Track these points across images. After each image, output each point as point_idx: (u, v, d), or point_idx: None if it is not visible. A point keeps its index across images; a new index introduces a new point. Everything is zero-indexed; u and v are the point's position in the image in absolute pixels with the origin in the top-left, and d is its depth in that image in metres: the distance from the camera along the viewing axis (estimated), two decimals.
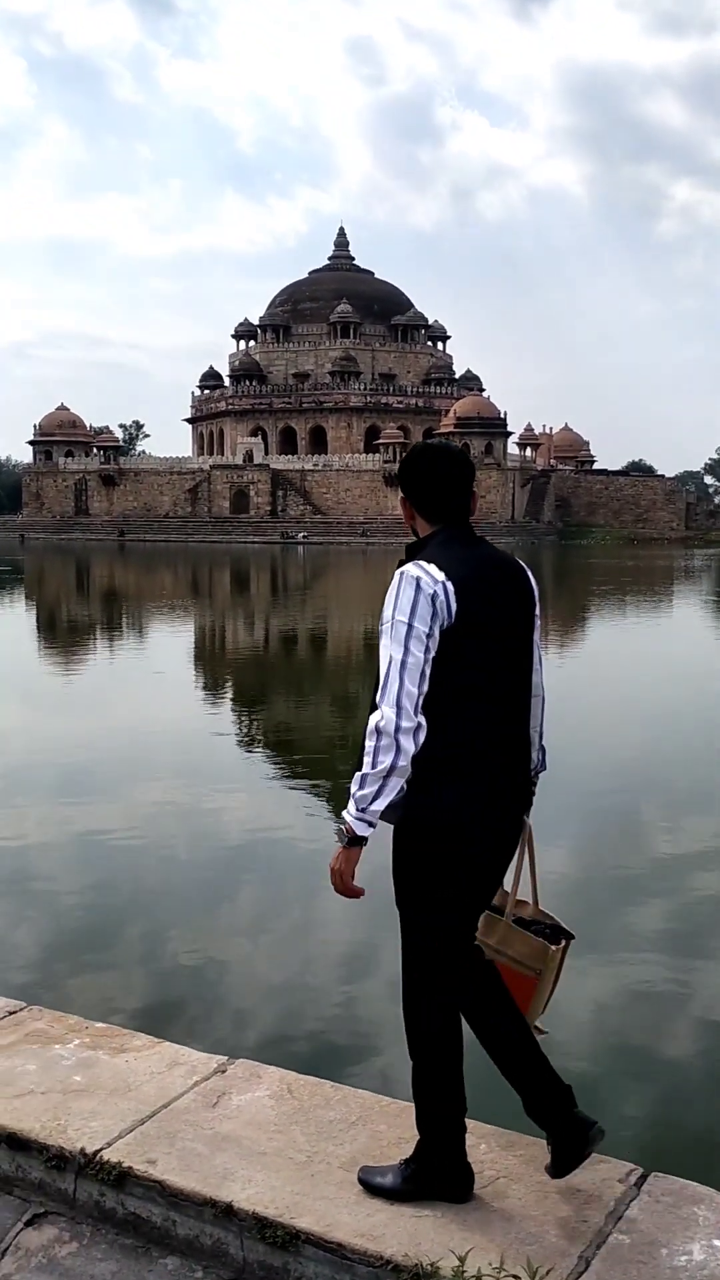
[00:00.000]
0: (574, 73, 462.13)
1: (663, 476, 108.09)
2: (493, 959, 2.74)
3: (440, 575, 2.46)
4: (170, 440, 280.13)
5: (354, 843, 2.47)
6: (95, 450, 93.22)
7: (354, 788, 2.44)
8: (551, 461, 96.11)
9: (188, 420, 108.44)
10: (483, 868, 2.61)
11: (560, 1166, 2.63)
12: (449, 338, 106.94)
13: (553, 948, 2.75)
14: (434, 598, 2.44)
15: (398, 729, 2.40)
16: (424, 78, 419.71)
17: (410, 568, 2.49)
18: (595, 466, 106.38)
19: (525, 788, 2.69)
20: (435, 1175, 2.60)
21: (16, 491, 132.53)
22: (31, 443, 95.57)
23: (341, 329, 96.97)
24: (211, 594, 41.15)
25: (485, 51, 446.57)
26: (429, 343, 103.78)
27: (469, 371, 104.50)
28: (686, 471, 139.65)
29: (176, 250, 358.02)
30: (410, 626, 2.43)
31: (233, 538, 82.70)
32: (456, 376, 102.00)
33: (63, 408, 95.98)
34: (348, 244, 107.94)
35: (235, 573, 53.21)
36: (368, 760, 2.43)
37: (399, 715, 2.40)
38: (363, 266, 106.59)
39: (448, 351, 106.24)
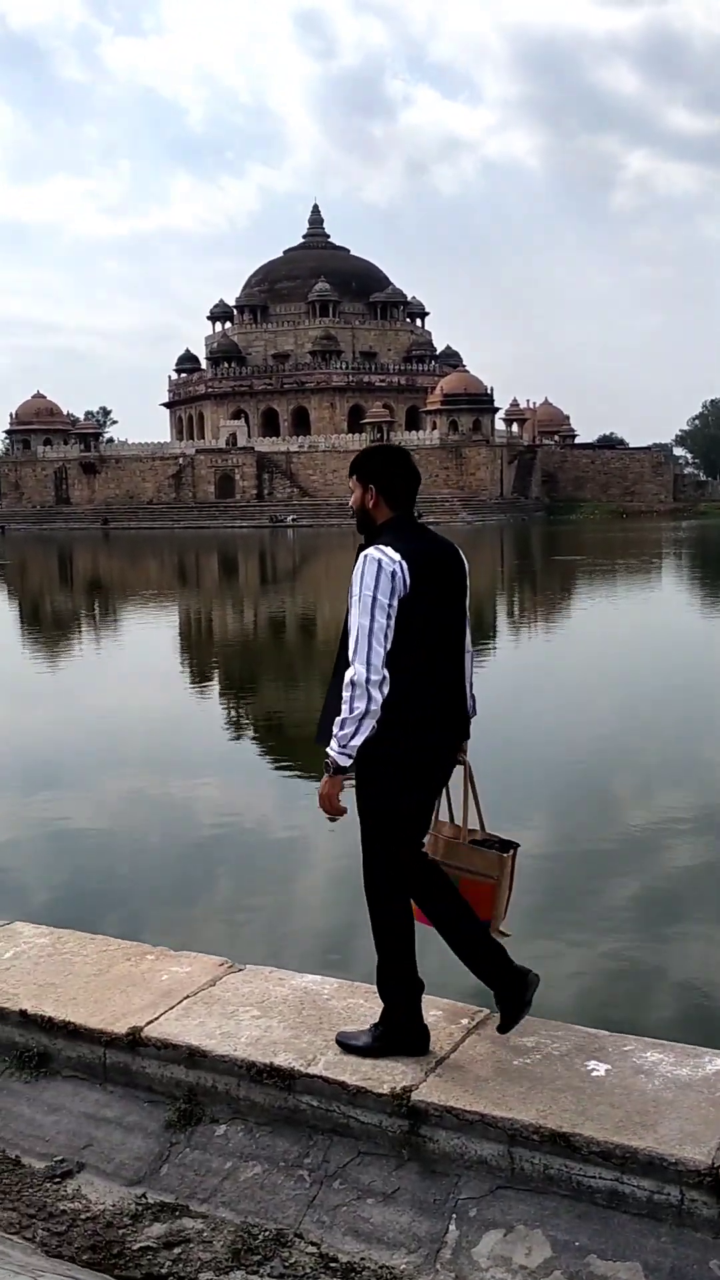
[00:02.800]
0: (526, 41, 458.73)
1: (650, 449, 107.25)
2: (457, 876, 3.32)
3: (396, 555, 3.06)
4: (139, 426, 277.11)
5: (338, 772, 3.11)
6: (74, 438, 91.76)
7: (336, 729, 3.06)
8: (536, 437, 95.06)
9: (165, 405, 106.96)
10: (431, 778, 3.24)
11: (508, 1019, 3.25)
12: (428, 314, 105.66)
13: (504, 856, 3.35)
14: (393, 575, 3.03)
15: (368, 681, 3.02)
16: (374, 50, 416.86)
17: (372, 551, 3.08)
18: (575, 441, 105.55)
19: (463, 722, 3.35)
20: (399, 1034, 3.24)
21: None
22: (8, 432, 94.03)
23: (320, 308, 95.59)
24: (200, 581, 40.24)
25: (435, 21, 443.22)
26: (408, 320, 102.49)
27: (449, 348, 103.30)
28: (657, 444, 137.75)
29: (128, 232, 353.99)
30: (375, 599, 3.02)
31: (220, 523, 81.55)
32: (437, 353, 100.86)
33: (39, 395, 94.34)
34: (322, 221, 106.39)
35: (224, 558, 52.27)
36: (345, 707, 3.04)
37: (369, 670, 3.01)
38: (338, 244, 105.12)
39: (426, 328, 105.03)
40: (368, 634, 3.02)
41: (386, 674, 3.03)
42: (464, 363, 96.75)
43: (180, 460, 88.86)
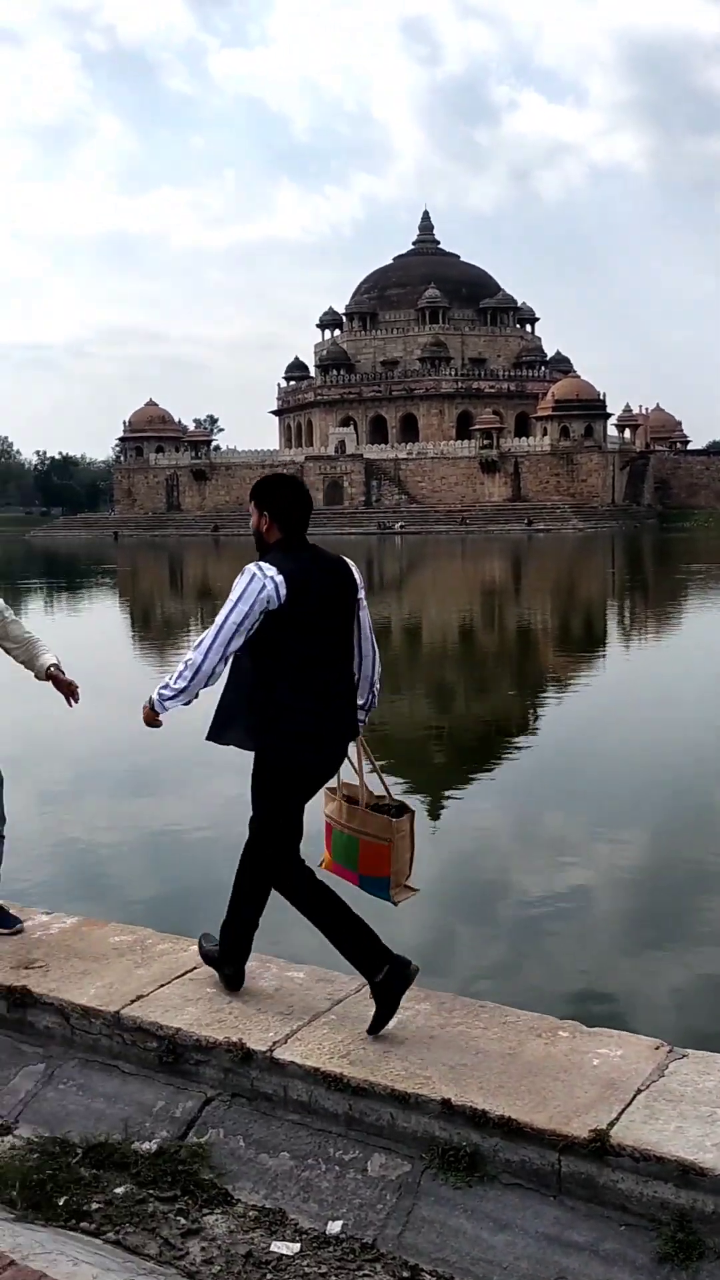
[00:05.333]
0: (633, 43, 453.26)
1: None
2: (355, 836, 3.62)
3: (272, 570, 3.41)
4: (245, 433, 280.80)
5: (153, 710, 3.54)
6: (185, 445, 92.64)
7: (161, 687, 3.48)
8: (649, 443, 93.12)
9: (274, 412, 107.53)
10: (310, 778, 3.61)
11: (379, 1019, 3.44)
12: (538, 319, 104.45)
13: (395, 820, 3.58)
14: (263, 587, 3.37)
15: (199, 670, 3.41)
16: (479, 56, 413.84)
17: (252, 565, 3.43)
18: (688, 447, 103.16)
19: (350, 723, 3.63)
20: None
21: (95, 490, 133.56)
22: (122, 439, 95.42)
23: (430, 314, 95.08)
24: None
25: (542, 25, 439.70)
26: (518, 325, 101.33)
27: (559, 353, 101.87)
28: None
29: (232, 242, 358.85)
30: (236, 603, 3.39)
31: (328, 530, 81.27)
32: (547, 359, 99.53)
33: (152, 403, 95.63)
34: (432, 227, 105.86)
35: None
36: (176, 678, 3.44)
37: (205, 660, 3.40)
38: (448, 250, 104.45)
39: (536, 334, 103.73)
40: (218, 629, 3.37)
41: (221, 669, 3.44)
42: (574, 368, 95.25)
43: (289, 468, 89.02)
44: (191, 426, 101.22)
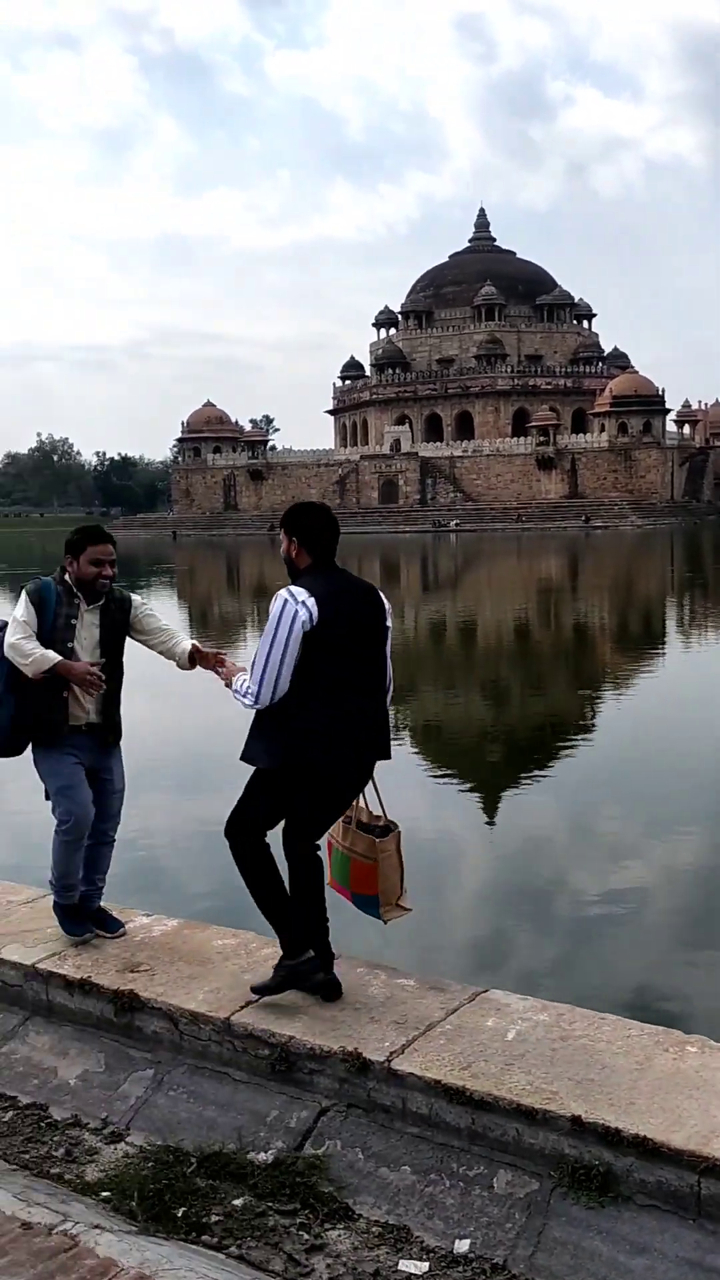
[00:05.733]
0: (691, 36, 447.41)
1: None
2: (348, 854, 3.82)
3: (303, 594, 3.54)
4: (300, 433, 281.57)
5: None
6: (241, 446, 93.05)
7: (236, 689, 3.66)
8: (708, 438, 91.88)
9: (330, 411, 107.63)
10: (335, 801, 3.73)
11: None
12: (595, 315, 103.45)
13: (379, 841, 3.74)
14: (295, 614, 3.49)
15: (257, 697, 3.56)
16: (535, 52, 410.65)
17: (283, 591, 3.55)
18: None
19: (377, 746, 3.73)
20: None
21: (153, 490, 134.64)
22: (180, 440, 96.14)
23: (486, 311, 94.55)
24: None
25: (598, 19, 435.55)
26: (575, 321, 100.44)
27: (616, 349, 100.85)
28: None
29: (287, 242, 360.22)
30: (275, 634, 3.51)
31: (383, 529, 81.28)
32: (604, 354, 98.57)
33: (209, 404, 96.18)
34: (488, 225, 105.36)
35: (385, 564, 51.70)
36: (245, 694, 3.59)
37: (260, 689, 3.54)
38: (504, 247, 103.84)
39: (594, 329, 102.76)
40: (264, 659, 3.51)
41: (281, 688, 3.53)
42: (632, 364, 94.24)
43: (344, 466, 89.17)
44: (248, 427, 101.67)
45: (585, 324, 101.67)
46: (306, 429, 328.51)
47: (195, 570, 52.87)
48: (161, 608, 27.97)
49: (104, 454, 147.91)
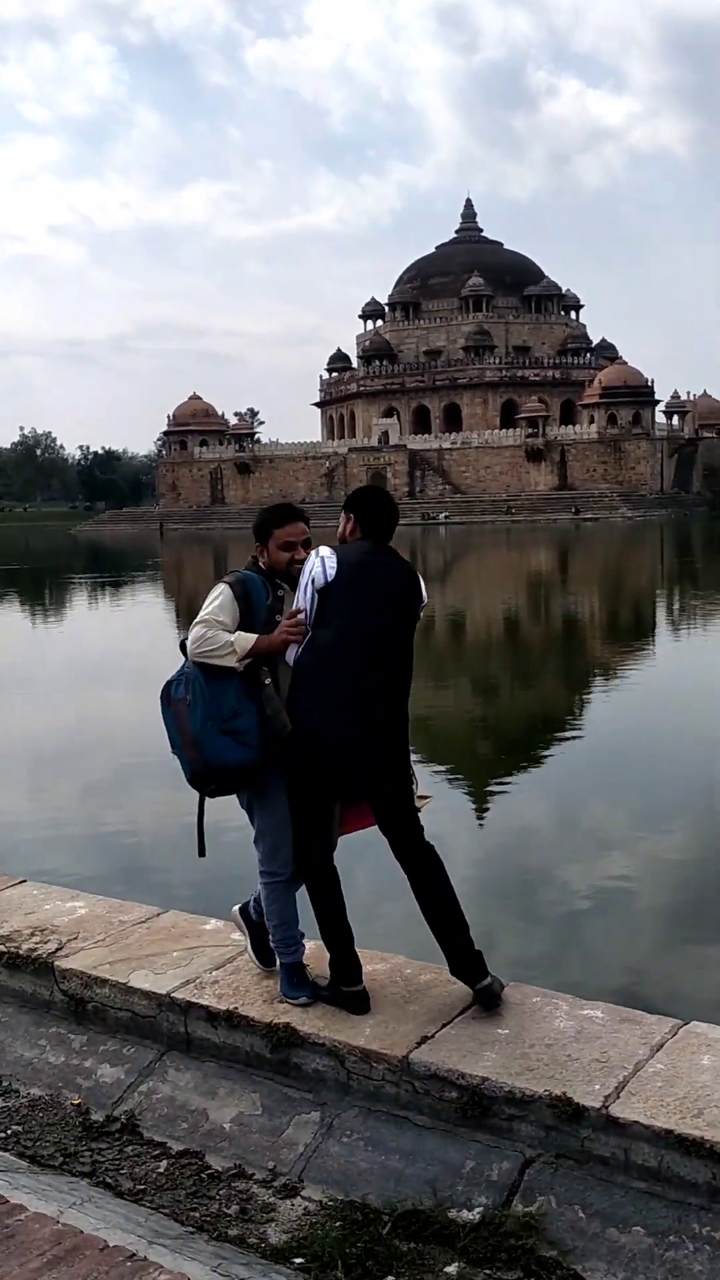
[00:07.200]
0: (674, 26, 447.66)
1: None
2: None
3: (327, 552, 3.53)
4: (286, 426, 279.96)
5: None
6: (228, 439, 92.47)
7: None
8: (697, 429, 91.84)
9: (317, 404, 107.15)
10: (329, 771, 3.51)
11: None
12: (583, 306, 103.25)
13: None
14: (312, 567, 3.49)
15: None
16: (517, 42, 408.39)
17: (315, 549, 3.56)
18: None
19: (372, 725, 3.48)
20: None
21: (138, 484, 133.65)
22: (167, 433, 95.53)
23: (473, 303, 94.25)
24: None
25: (580, 8, 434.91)
26: (563, 312, 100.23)
27: (604, 340, 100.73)
28: None
29: (270, 234, 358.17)
30: (298, 585, 3.53)
31: None
32: (592, 346, 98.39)
33: (195, 397, 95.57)
34: (475, 215, 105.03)
35: None
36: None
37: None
38: (491, 238, 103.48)
39: (581, 321, 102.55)
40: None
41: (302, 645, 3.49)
42: (620, 355, 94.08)
43: (332, 459, 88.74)
44: (233, 420, 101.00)
45: (573, 315, 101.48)
46: (292, 422, 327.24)
47: (183, 565, 52.46)
48: (151, 602, 27.64)
49: (87, 448, 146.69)
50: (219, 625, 3.46)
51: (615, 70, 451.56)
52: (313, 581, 3.47)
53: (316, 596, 3.47)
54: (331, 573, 3.47)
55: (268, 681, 3.49)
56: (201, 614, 3.50)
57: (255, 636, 3.47)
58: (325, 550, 3.53)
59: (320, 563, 3.48)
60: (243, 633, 3.48)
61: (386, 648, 3.54)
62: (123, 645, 22.46)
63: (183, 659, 3.59)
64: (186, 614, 28.75)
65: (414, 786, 3.62)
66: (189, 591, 36.96)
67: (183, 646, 3.61)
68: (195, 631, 3.47)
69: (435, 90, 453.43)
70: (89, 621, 28.60)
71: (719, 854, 8.10)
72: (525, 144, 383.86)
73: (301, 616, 3.50)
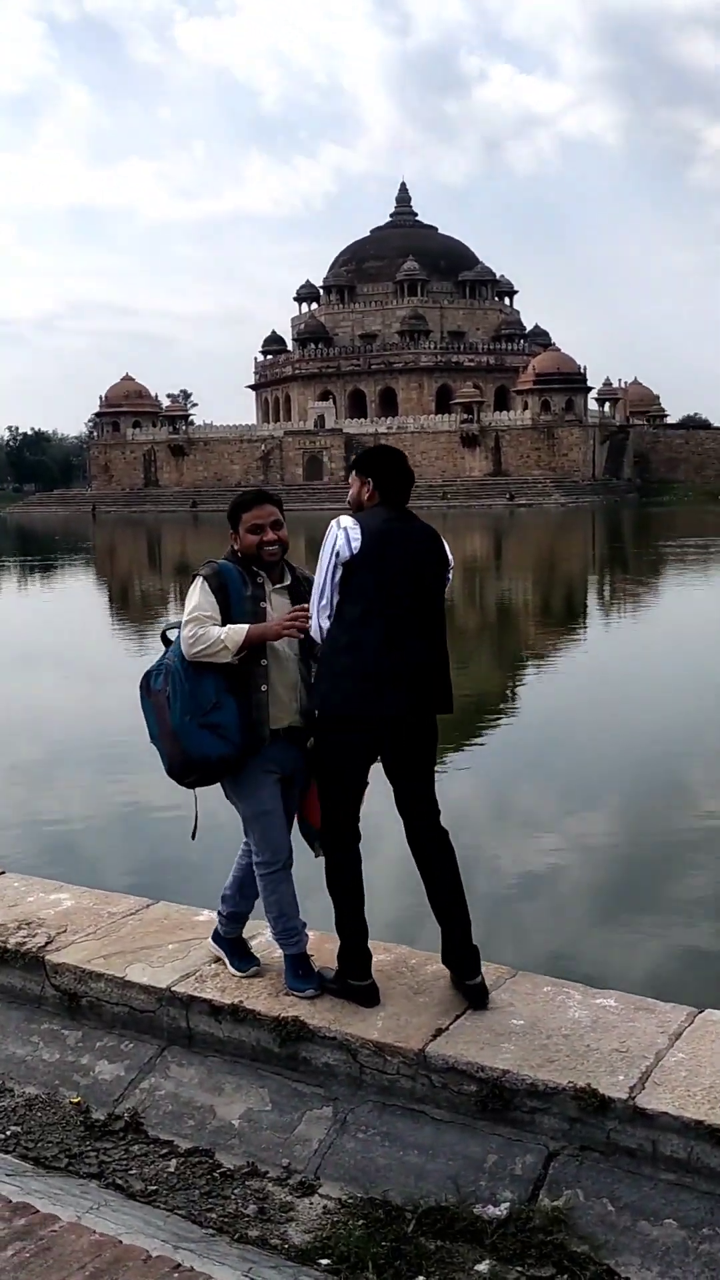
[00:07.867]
0: (605, 14, 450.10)
1: None
2: None
3: (349, 522, 3.39)
4: (218, 408, 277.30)
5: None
6: (162, 421, 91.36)
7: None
8: (628, 417, 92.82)
9: (251, 386, 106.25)
10: (348, 756, 3.41)
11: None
12: (516, 292, 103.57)
13: None
14: (335, 539, 3.35)
15: (316, 625, 3.44)
16: (450, 25, 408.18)
17: (335, 520, 3.41)
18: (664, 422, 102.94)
19: (410, 694, 3.39)
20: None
21: (68, 466, 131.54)
22: (99, 414, 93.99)
23: (409, 287, 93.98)
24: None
25: None
26: (497, 298, 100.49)
27: (537, 326, 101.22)
28: None
29: (201, 215, 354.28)
30: (320, 558, 3.40)
31: (308, 505, 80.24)
32: (526, 332, 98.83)
33: (128, 378, 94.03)
34: (410, 199, 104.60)
35: (310, 541, 51.17)
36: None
37: (316, 617, 3.43)
38: (426, 223, 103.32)
39: (515, 307, 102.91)
40: (317, 588, 3.40)
41: (326, 619, 3.39)
42: (553, 341, 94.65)
43: (268, 442, 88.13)
44: (166, 402, 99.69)
45: (507, 301, 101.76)
46: (226, 404, 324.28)
47: (116, 549, 51.83)
48: (83, 588, 27.26)
49: (16, 429, 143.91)
50: (208, 621, 3.40)
51: (547, 57, 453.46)
52: (336, 554, 3.35)
53: (341, 569, 3.35)
54: (356, 544, 3.34)
55: (264, 662, 3.47)
56: (186, 612, 3.43)
57: (246, 628, 3.41)
58: (347, 520, 3.39)
59: (344, 534, 3.36)
60: (233, 626, 3.41)
61: (425, 624, 3.45)
62: (55, 628, 22.10)
63: (163, 649, 3.55)
64: (119, 598, 28.49)
65: None
66: (122, 575, 36.58)
67: (164, 637, 3.58)
68: (186, 631, 3.41)
69: (368, 73, 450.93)
70: (20, 605, 28.08)
71: (679, 835, 8.17)
72: (458, 129, 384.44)
73: (304, 614, 3.43)
